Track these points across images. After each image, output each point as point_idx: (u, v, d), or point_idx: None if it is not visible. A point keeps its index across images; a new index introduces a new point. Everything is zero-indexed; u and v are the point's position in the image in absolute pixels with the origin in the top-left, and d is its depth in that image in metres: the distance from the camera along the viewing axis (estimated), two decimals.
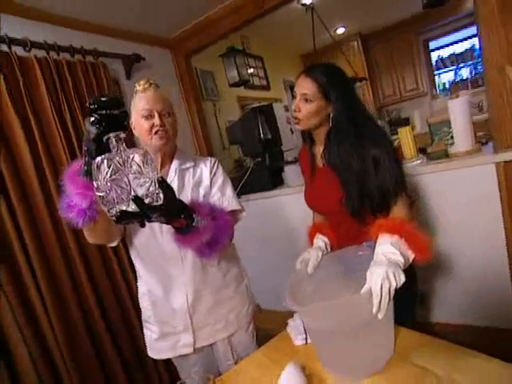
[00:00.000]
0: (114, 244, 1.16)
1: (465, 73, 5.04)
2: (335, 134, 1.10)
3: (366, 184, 1.05)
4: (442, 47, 5.13)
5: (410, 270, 1.15)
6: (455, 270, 1.87)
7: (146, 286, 1.22)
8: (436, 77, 5.17)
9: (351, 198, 1.07)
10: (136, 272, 1.27)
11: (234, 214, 1.21)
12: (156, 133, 1.09)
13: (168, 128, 1.11)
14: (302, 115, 1.12)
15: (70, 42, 1.94)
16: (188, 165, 1.21)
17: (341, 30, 4.60)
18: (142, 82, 1.12)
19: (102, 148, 0.74)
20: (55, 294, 1.62)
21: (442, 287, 1.93)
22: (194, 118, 2.95)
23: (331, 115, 1.10)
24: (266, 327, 1.60)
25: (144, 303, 1.25)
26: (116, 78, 2.32)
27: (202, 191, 1.18)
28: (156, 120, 1.08)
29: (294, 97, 1.15)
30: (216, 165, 1.25)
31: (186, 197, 1.13)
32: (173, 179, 1.16)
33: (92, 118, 0.72)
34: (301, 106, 1.11)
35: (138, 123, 1.11)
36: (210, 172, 1.22)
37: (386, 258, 0.85)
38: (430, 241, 0.91)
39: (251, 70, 3.87)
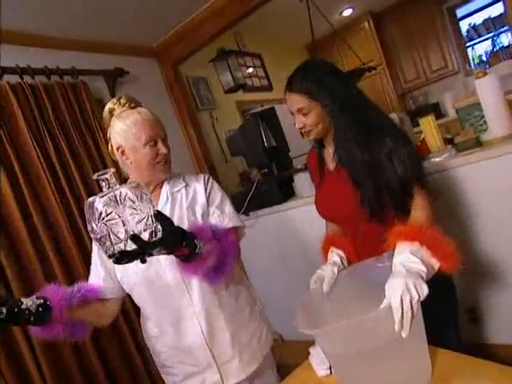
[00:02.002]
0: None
1: (505, 39, 4.79)
2: (339, 132, 1.17)
3: (380, 177, 1.10)
4: (473, 13, 4.93)
5: (445, 282, 1.17)
6: (509, 279, 1.83)
7: (157, 327, 1.25)
8: (469, 49, 5.00)
9: (367, 195, 1.11)
10: (141, 317, 1.32)
11: (236, 232, 1.26)
12: (158, 163, 1.16)
13: (168, 155, 1.19)
14: (309, 127, 1.20)
15: (44, 62, 2.06)
16: (179, 186, 1.27)
17: (348, 12, 4.66)
18: (115, 106, 1.17)
19: None
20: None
21: (495, 300, 1.89)
22: (190, 131, 3.04)
23: (328, 116, 1.17)
24: (292, 362, 1.61)
25: (157, 347, 1.28)
26: (99, 96, 2.43)
27: (199, 210, 1.24)
28: (162, 149, 1.14)
29: (291, 113, 1.24)
30: (210, 181, 1.31)
31: (181, 219, 1.19)
32: (165, 204, 1.23)
33: None
34: (303, 120, 1.20)
35: (138, 152, 1.14)
36: (205, 190, 1.27)
37: (405, 268, 0.87)
38: (456, 246, 0.92)
39: (249, 70, 3.96)
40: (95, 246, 1.25)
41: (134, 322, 1.98)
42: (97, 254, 1.24)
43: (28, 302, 0.87)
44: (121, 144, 1.16)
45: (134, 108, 1.18)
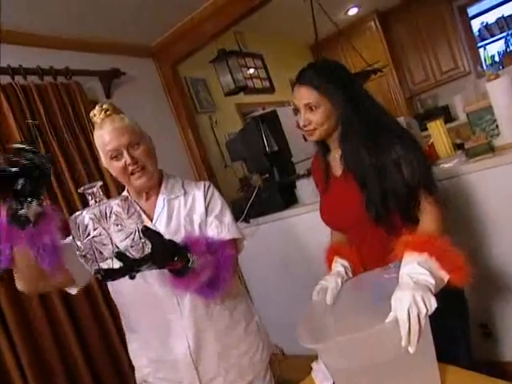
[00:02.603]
0: (71, 291, 1.17)
1: None
2: (347, 133, 1.18)
3: (387, 181, 1.11)
4: (486, 11, 4.91)
5: (456, 295, 1.16)
6: None
7: (141, 339, 1.25)
8: (480, 50, 4.96)
9: (373, 198, 1.12)
10: (124, 327, 1.31)
11: (235, 244, 1.25)
12: (133, 173, 1.14)
13: (142, 161, 1.15)
14: (314, 125, 1.20)
15: (37, 62, 2.07)
16: (177, 193, 1.26)
17: (353, 11, 4.69)
18: (95, 112, 1.17)
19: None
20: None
21: (509, 315, 1.87)
22: (188, 135, 3.05)
23: (338, 114, 1.17)
24: (292, 377, 1.60)
25: (140, 360, 1.27)
26: (94, 98, 2.44)
27: (196, 219, 1.23)
28: (127, 159, 1.12)
29: (296, 111, 1.23)
30: (211, 190, 1.30)
31: (178, 229, 1.19)
32: (161, 212, 1.22)
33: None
34: (309, 117, 1.19)
35: (110, 165, 1.16)
36: (205, 198, 1.26)
37: (413, 281, 0.86)
38: (466, 258, 0.91)
39: (250, 71, 3.99)
40: None
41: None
42: None
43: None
44: (102, 159, 1.21)
45: (108, 116, 1.15)
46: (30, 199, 0.80)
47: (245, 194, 2.81)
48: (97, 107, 1.17)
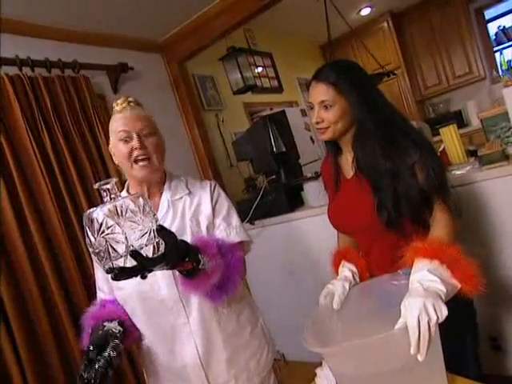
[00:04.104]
0: None
1: None
2: (362, 135, 1.18)
3: (401, 186, 1.11)
4: (503, 14, 4.83)
5: (465, 305, 1.16)
6: None
7: (149, 345, 1.23)
8: (496, 54, 4.93)
9: (385, 204, 1.12)
10: None
11: (242, 246, 1.25)
12: (137, 161, 1.14)
13: (150, 151, 1.15)
14: (328, 123, 1.19)
15: (45, 54, 2.10)
16: (182, 193, 1.25)
17: (366, 11, 4.70)
18: (119, 102, 1.19)
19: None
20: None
21: None
22: (194, 132, 3.06)
23: (355, 115, 1.18)
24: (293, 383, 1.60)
25: (150, 366, 1.26)
26: (101, 92, 2.46)
27: (203, 221, 1.22)
28: (135, 143, 1.13)
29: (310, 108, 1.24)
30: (217, 190, 1.30)
31: (182, 230, 1.18)
32: (165, 212, 1.21)
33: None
34: (322, 115, 1.19)
35: (116, 148, 1.17)
36: (211, 199, 1.26)
37: (423, 287, 0.86)
38: (478, 267, 0.91)
39: (259, 70, 4.00)
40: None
41: None
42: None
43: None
44: (110, 144, 1.21)
45: (130, 105, 1.18)
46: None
47: (250, 194, 2.82)
48: (122, 97, 1.20)
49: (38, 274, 1.78)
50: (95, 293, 1.31)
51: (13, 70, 1.92)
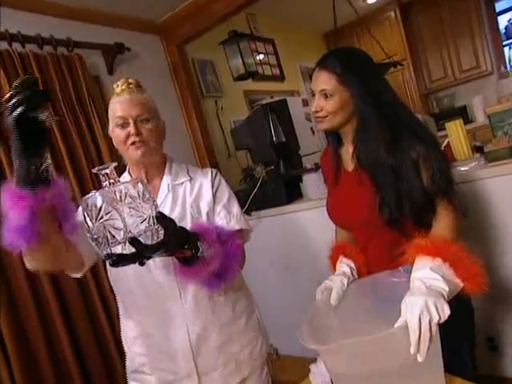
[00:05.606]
0: (77, 274, 1.18)
1: None
2: (364, 128, 1.16)
3: (404, 184, 1.09)
4: None
5: (463, 304, 1.15)
6: None
7: (139, 328, 1.25)
8: (505, 48, 4.89)
9: (387, 201, 1.10)
10: (120, 315, 1.31)
11: (242, 235, 1.26)
12: (132, 144, 1.15)
13: (146, 136, 1.16)
14: (326, 113, 1.18)
15: (37, 30, 2.04)
16: (183, 179, 1.27)
17: None
18: (119, 83, 1.19)
19: (26, 135, 0.77)
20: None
21: None
22: (192, 119, 3.03)
23: (357, 107, 1.15)
24: (286, 378, 1.60)
25: (135, 349, 1.28)
26: (96, 73, 2.42)
27: (204, 207, 1.23)
28: (131, 128, 1.14)
29: (312, 94, 1.21)
30: (218, 177, 1.31)
31: (183, 216, 1.19)
32: (165, 198, 1.22)
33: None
34: (322, 104, 1.17)
35: (114, 132, 1.19)
36: (212, 186, 1.27)
37: (425, 286, 0.85)
38: (482, 266, 0.90)
39: (260, 57, 3.95)
40: None
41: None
42: None
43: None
44: (109, 126, 1.22)
45: (129, 88, 1.19)
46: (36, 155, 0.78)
47: (247, 185, 2.80)
48: (122, 79, 1.21)
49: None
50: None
51: (2, 45, 1.88)
